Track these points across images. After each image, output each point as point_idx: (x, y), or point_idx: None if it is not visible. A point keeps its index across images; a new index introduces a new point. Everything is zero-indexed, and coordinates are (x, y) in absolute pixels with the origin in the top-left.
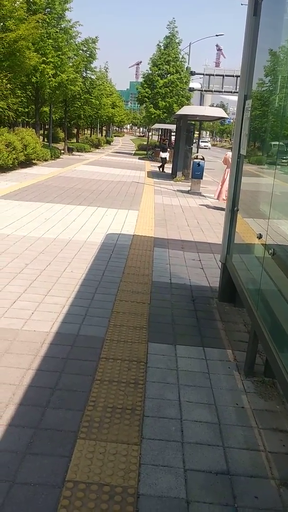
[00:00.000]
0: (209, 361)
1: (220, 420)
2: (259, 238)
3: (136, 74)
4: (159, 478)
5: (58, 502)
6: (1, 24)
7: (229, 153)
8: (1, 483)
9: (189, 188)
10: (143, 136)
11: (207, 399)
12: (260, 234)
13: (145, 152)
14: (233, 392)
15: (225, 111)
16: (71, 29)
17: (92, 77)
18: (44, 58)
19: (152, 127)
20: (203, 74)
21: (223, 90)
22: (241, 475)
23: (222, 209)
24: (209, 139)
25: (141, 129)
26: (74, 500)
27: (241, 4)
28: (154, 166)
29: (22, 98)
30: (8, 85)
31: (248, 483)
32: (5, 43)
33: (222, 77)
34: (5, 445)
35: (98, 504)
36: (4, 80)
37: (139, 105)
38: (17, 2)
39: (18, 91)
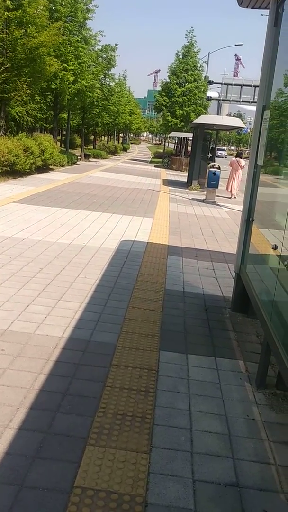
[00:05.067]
0: (221, 371)
1: (231, 432)
2: (274, 249)
3: (154, 82)
4: (168, 487)
5: (66, 508)
6: (23, 30)
7: (234, 159)
8: (10, 486)
9: (204, 197)
10: (160, 144)
11: (217, 409)
12: (275, 245)
13: (161, 160)
14: (244, 403)
15: (242, 121)
16: (92, 39)
17: (111, 84)
18: (65, 65)
19: (168, 135)
20: (221, 84)
21: (240, 99)
22: (251, 488)
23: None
24: (226, 148)
25: (158, 137)
26: (82, 506)
27: (262, 15)
28: (169, 174)
29: (42, 105)
30: (28, 91)
31: (257, 496)
32: (26, 50)
33: (240, 86)
34: (15, 448)
35: None
36: (24, 86)
37: (156, 113)
38: (39, 8)
39: (37, 97)
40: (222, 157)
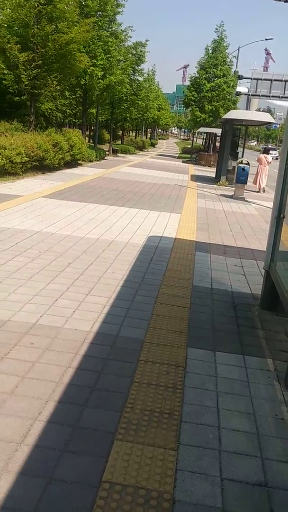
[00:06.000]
0: (249, 369)
1: (259, 431)
2: None
3: (183, 77)
4: (195, 485)
5: (94, 502)
6: (54, 26)
7: (261, 154)
8: (39, 479)
9: (233, 193)
10: (188, 139)
11: (245, 408)
12: None
13: (189, 156)
14: (272, 402)
15: (272, 116)
16: (121, 34)
17: (140, 79)
18: (94, 61)
19: (197, 131)
20: (251, 78)
21: (270, 94)
22: (279, 488)
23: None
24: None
25: (186, 132)
26: (110, 501)
27: None
28: (197, 169)
29: (71, 100)
30: (58, 86)
31: (286, 496)
32: (57, 45)
33: (270, 81)
34: (44, 441)
35: (133, 507)
36: (54, 82)
37: (184, 108)
38: (70, 3)
39: (67, 93)
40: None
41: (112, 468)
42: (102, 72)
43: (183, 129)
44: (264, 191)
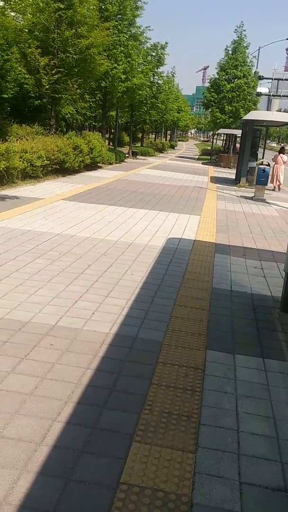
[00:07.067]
0: (269, 372)
1: (279, 435)
2: None
3: (203, 78)
4: (214, 488)
5: (112, 503)
6: (74, 31)
7: (278, 154)
8: (58, 479)
9: (253, 195)
10: (207, 141)
11: (265, 411)
12: None
13: (208, 157)
14: None
15: None
16: (141, 35)
17: (159, 82)
18: (116, 65)
19: (216, 132)
20: (272, 79)
21: None
22: None
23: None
24: None
25: (205, 134)
26: (128, 503)
27: None
28: (217, 171)
29: (91, 103)
30: (78, 90)
31: None
32: (77, 50)
33: None
34: (63, 442)
35: (151, 509)
36: (74, 86)
37: (204, 109)
38: (90, 7)
39: (87, 96)
40: None
41: (130, 470)
42: (125, 76)
43: (201, 131)
44: (279, 190)
